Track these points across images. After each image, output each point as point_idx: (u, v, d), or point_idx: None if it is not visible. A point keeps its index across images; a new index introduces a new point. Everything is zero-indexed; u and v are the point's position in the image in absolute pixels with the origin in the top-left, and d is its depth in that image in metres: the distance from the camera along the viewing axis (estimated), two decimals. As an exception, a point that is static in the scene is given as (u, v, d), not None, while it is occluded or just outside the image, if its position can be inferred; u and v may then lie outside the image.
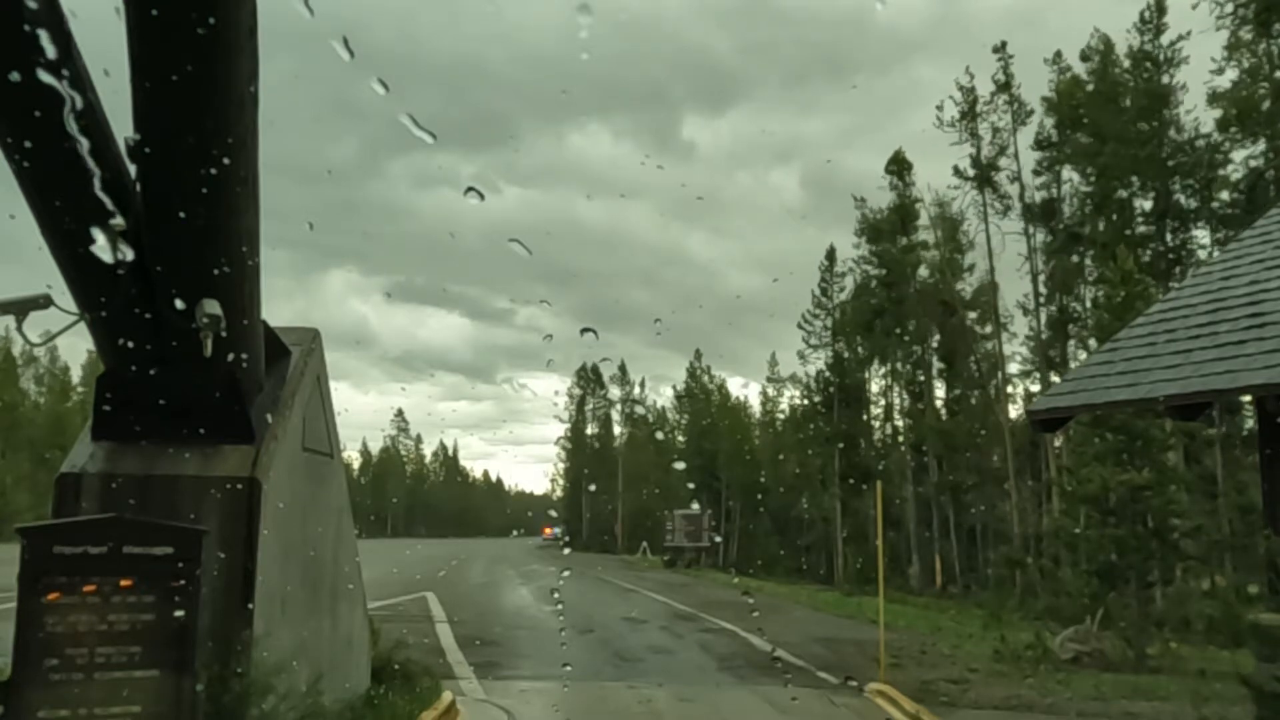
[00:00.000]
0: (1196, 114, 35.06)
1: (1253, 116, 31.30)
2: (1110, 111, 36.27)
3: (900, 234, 45.67)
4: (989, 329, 43.71)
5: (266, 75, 5.42)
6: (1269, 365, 7.39)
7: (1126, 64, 37.28)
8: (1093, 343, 34.51)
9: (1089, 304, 38.17)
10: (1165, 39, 35.91)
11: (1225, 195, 34.17)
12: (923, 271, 45.80)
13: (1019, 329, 42.81)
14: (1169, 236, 36.16)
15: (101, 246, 5.42)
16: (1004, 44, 41.43)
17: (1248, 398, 9.86)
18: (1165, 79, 35.81)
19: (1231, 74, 32.57)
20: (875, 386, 52.49)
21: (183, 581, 6.05)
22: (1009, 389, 43.01)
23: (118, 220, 5.61)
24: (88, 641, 5.79)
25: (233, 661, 6.31)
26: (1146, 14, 36.06)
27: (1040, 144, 40.26)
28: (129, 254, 5.64)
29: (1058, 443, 32.79)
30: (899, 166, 46.38)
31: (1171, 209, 35.62)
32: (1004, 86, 41.26)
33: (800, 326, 53.34)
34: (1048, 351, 40.15)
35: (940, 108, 42.89)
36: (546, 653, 15.85)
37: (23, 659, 5.72)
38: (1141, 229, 36.75)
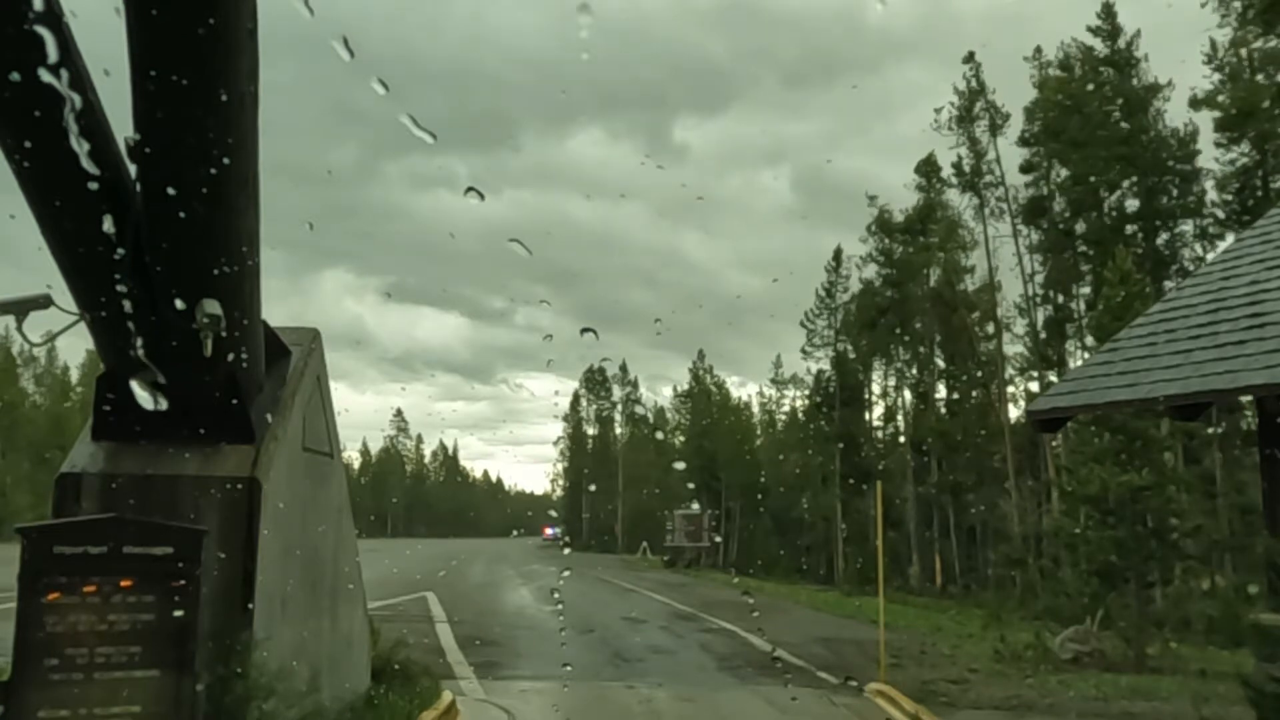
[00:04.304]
0: (1175, 113, 35.67)
1: (1243, 117, 31.46)
2: (1081, 118, 36.59)
3: (921, 234, 45.68)
4: (990, 329, 43.76)
5: (267, 78, 5.43)
6: (1269, 365, 7.39)
7: (1094, 68, 37.69)
8: (1088, 340, 34.67)
9: (1083, 304, 38.24)
10: (1121, 42, 36.74)
11: (1213, 195, 34.44)
12: (931, 271, 45.82)
13: (1019, 329, 42.94)
14: (1156, 236, 36.37)
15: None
16: (972, 54, 41.94)
17: (1248, 398, 9.86)
18: (1133, 80, 36.30)
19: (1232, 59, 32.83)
20: (877, 387, 52.59)
21: (183, 581, 6.05)
22: (1009, 389, 43.09)
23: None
24: (88, 641, 5.79)
25: (233, 661, 6.31)
26: (1100, 19, 36.81)
27: (1025, 141, 40.37)
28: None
29: (1057, 442, 32.79)
30: (929, 168, 46.39)
31: (1155, 209, 35.85)
32: (977, 94, 41.51)
33: (803, 325, 53.38)
34: (1045, 351, 40.19)
35: (939, 111, 43.07)
36: (546, 653, 15.85)
37: (23, 659, 5.72)
38: (1128, 229, 36.93)
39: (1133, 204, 36.94)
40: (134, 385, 5.88)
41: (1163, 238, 36.42)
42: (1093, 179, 36.01)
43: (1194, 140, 34.87)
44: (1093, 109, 36.49)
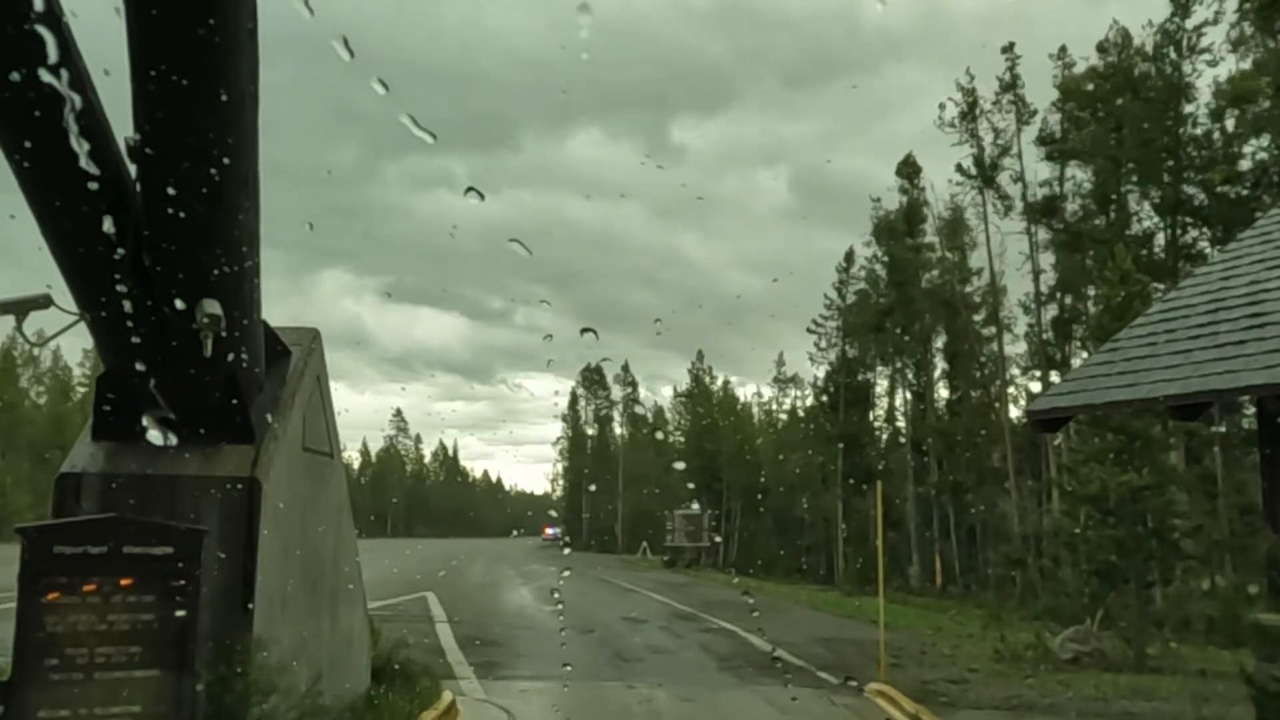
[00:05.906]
0: (1207, 106, 35.05)
1: (1253, 109, 31.32)
2: (1129, 101, 36.04)
3: (908, 235, 45.70)
4: (992, 329, 43.74)
5: (267, 78, 5.43)
6: (1269, 365, 7.38)
7: (1144, 52, 37.03)
8: (1091, 343, 34.50)
9: (1090, 304, 38.13)
10: (1190, 23, 35.58)
11: (1228, 190, 34.07)
12: (932, 273, 45.82)
13: (1021, 328, 42.89)
14: (1179, 232, 36.11)
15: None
16: (1012, 44, 41.41)
17: (1248, 397, 9.85)
18: (1187, 67, 35.68)
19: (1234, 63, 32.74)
20: (879, 388, 52.55)
21: (183, 581, 6.05)
22: (1010, 389, 43.06)
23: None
24: (88, 641, 5.79)
25: (233, 661, 6.31)
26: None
27: (1044, 140, 40.17)
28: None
29: (1058, 442, 32.78)
30: (909, 170, 46.40)
31: (1183, 205, 35.55)
32: (1009, 86, 41.24)
33: (811, 330, 53.33)
34: (1048, 351, 40.15)
35: (942, 107, 42.95)
36: (546, 653, 15.85)
37: (23, 659, 5.72)
38: (1148, 224, 36.82)
39: (1156, 199, 36.56)
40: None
41: (1190, 235, 36.11)
42: (1122, 181, 35.69)
43: (1240, 139, 33.84)
44: (1138, 95, 35.89)
